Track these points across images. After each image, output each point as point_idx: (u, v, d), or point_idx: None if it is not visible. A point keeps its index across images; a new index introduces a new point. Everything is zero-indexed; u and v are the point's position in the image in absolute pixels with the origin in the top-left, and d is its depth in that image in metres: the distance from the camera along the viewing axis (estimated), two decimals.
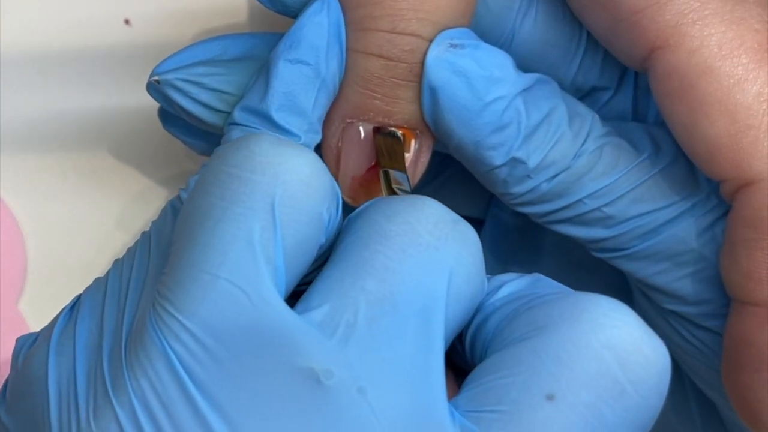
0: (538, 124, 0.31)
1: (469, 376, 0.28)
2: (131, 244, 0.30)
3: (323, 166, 0.28)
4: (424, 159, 0.31)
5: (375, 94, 0.30)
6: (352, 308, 0.27)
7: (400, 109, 0.30)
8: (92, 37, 0.38)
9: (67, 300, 0.30)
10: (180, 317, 0.27)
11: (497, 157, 0.31)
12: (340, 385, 0.26)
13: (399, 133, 0.31)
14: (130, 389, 0.26)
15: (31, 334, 0.30)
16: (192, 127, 0.34)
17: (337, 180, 0.31)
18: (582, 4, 0.31)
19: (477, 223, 0.38)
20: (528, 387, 0.27)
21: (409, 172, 0.31)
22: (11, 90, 0.38)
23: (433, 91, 0.30)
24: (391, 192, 0.31)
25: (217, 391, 0.26)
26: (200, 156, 0.37)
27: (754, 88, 0.30)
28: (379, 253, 0.27)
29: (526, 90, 0.31)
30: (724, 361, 0.32)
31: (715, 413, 0.35)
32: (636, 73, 0.34)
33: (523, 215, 0.34)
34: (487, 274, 0.30)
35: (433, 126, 0.31)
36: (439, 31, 0.30)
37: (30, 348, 0.30)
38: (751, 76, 0.30)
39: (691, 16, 0.30)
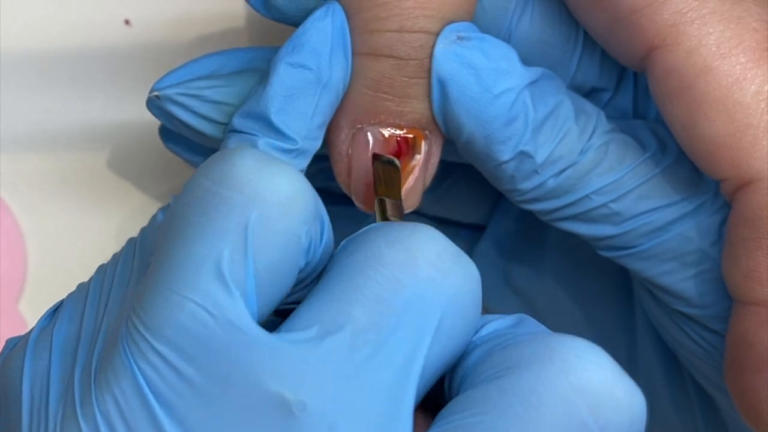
0: (545, 118, 0.31)
1: (439, 414, 0.27)
2: None
3: (308, 187, 0.28)
4: (434, 160, 0.31)
5: (386, 96, 0.30)
6: (337, 336, 0.26)
7: (411, 109, 0.30)
8: (92, 38, 0.38)
9: None
10: (148, 337, 0.26)
11: (505, 152, 0.31)
12: (312, 418, 0.26)
13: (397, 161, 0.30)
14: (95, 404, 0.26)
15: (18, 337, 0.30)
16: (193, 144, 0.34)
17: (349, 188, 0.31)
18: (580, 4, 0.31)
19: (480, 230, 0.38)
20: (495, 428, 0.26)
21: (420, 174, 0.31)
22: (11, 91, 0.38)
23: (443, 84, 0.30)
24: (386, 220, 0.30)
25: (185, 413, 0.26)
26: None
27: (753, 87, 0.30)
28: (373, 280, 0.27)
29: (532, 83, 0.31)
30: (726, 361, 0.32)
31: (716, 413, 0.35)
32: (635, 73, 0.34)
33: (527, 219, 0.33)
34: (489, 273, 0.30)
35: (442, 121, 0.31)
36: (446, 26, 0.30)
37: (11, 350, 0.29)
38: (749, 75, 0.30)
39: (689, 15, 0.30)
